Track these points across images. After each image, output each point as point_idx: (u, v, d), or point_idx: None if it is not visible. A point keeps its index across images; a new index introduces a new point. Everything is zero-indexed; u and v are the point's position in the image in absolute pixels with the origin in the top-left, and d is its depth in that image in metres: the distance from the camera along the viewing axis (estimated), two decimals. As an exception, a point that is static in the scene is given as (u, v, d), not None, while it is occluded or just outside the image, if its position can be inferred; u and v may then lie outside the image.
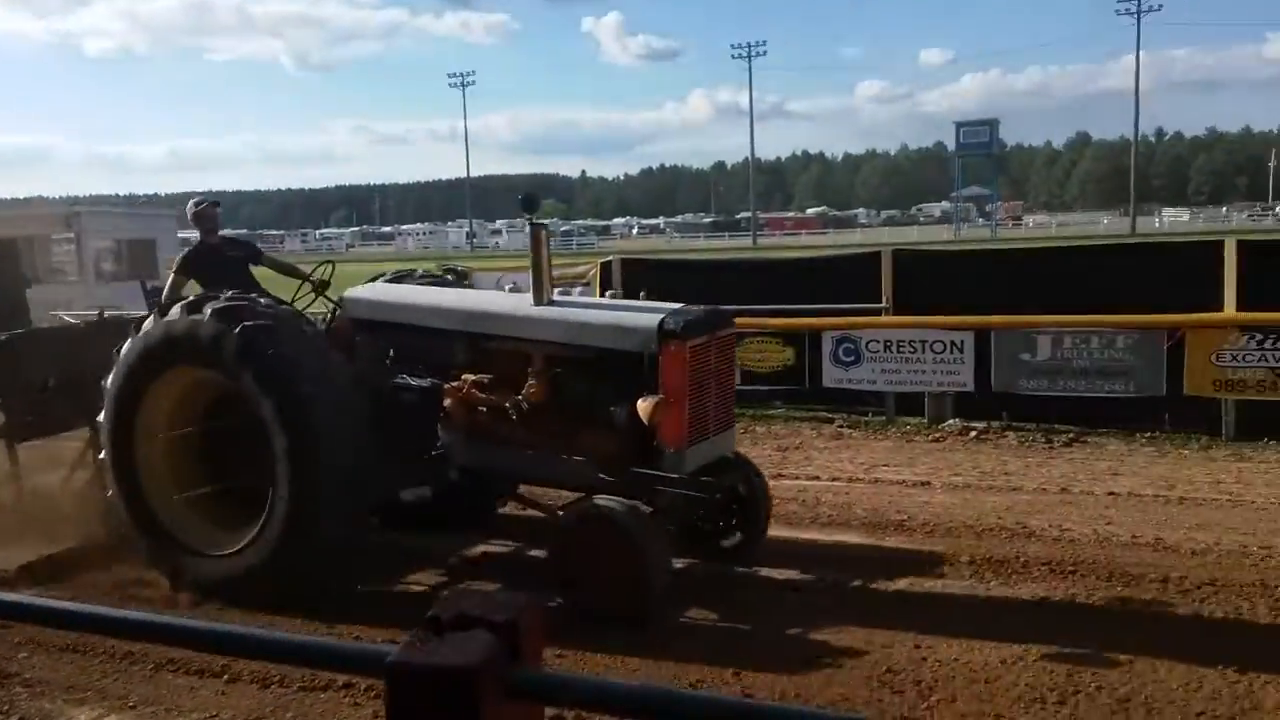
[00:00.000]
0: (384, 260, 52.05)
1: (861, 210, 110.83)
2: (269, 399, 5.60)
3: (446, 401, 6.11)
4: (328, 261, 7.21)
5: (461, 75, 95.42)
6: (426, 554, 6.71)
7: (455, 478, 6.30)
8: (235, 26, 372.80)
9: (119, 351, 6.19)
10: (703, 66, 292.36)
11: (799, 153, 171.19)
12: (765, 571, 6.19)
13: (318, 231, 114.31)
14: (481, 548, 6.91)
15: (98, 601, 5.60)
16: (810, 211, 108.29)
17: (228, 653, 4.11)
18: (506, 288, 6.84)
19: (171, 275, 7.50)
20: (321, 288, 6.87)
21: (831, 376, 10.44)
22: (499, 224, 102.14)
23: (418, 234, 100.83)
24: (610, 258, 12.56)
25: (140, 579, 6.23)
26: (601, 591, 5.34)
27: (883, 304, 10.74)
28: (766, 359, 10.79)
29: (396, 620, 5.15)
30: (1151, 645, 4.94)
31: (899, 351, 10.11)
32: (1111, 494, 7.72)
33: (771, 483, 6.71)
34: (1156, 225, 74.53)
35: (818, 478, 8.50)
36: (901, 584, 5.93)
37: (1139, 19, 72.63)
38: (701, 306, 5.92)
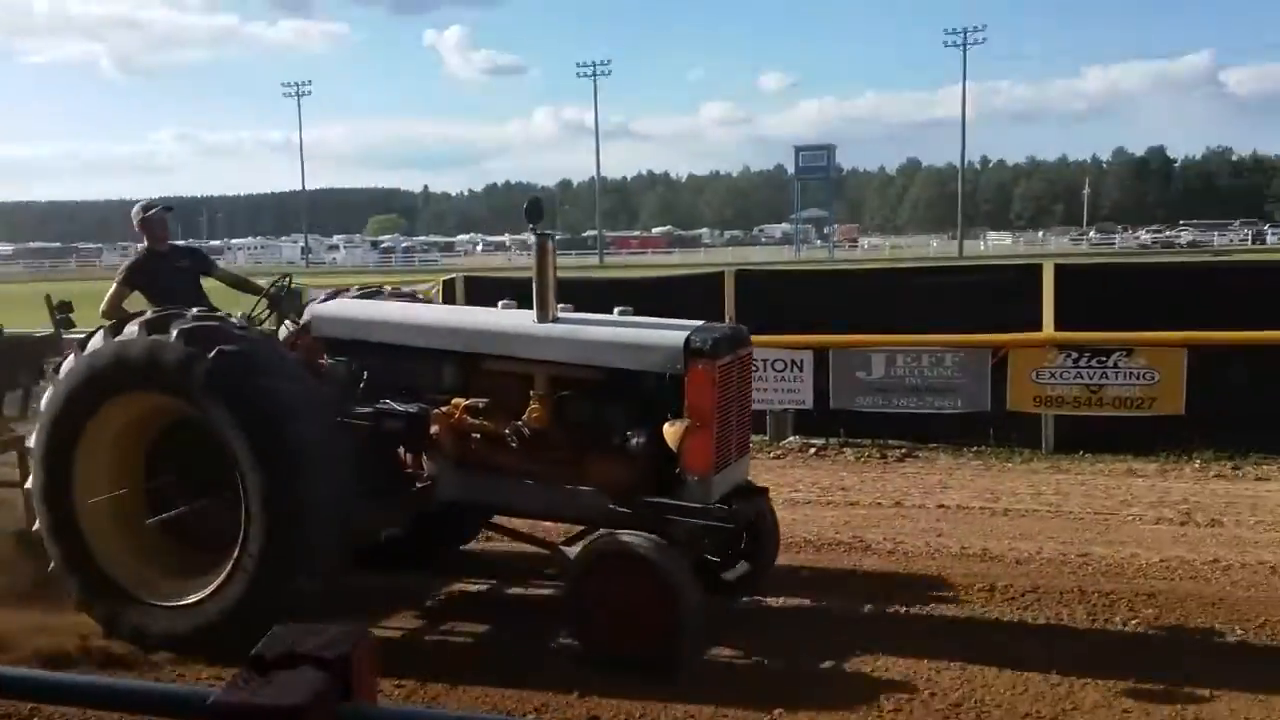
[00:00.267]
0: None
1: (705, 230, 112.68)
2: (243, 433, 4.99)
3: (433, 429, 5.56)
4: (285, 275, 6.74)
5: (297, 85, 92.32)
6: (396, 594, 6.17)
7: (438, 512, 5.84)
8: (52, 27, 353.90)
9: (56, 371, 5.55)
10: (548, 84, 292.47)
11: (644, 172, 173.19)
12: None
13: (139, 245, 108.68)
14: (457, 586, 6.46)
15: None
16: (656, 231, 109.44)
17: (41, 700, 3.83)
18: (500, 304, 6.08)
19: (114, 286, 6.97)
20: (277, 303, 6.37)
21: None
22: (336, 239, 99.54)
23: (249, 248, 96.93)
24: (454, 275, 12.39)
25: (43, 626, 5.50)
26: (625, 634, 4.90)
27: (726, 323, 10.89)
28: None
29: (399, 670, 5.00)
30: (980, 651, 5.14)
31: (741, 370, 10.27)
32: (942, 506, 8.03)
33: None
34: (982, 248, 78.43)
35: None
36: (745, 601, 6.00)
37: (964, 51, 76.36)
38: (722, 324, 5.49)
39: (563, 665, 5.10)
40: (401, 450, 5.86)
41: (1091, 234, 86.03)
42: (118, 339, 5.30)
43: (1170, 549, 6.80)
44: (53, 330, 7.84)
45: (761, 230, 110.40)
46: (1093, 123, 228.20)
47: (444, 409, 5.57)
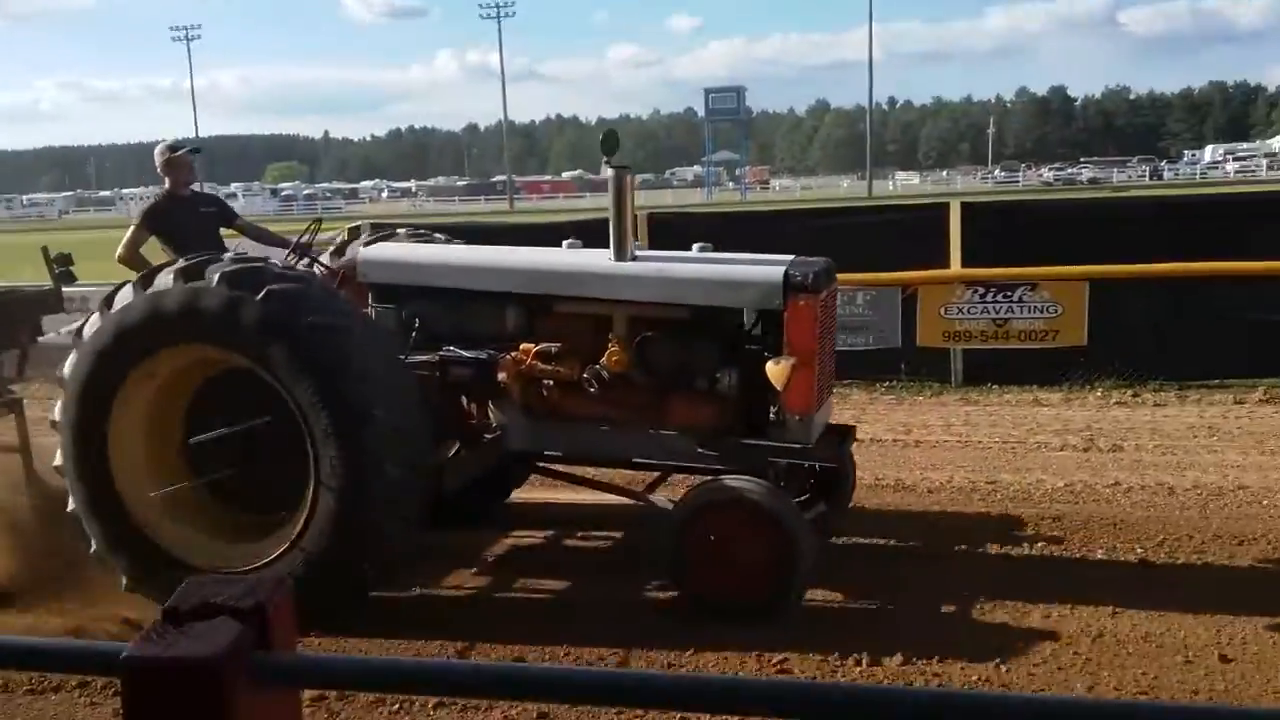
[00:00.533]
0: (104, 226, 47.88)
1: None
2: (306, 377, 4.57)
3: (500, 376, 5.27)
4: (316, 220, 6.44)
5: (186, 29, 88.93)
6: (448, 552, 5.79)
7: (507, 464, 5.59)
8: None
9: (78, 333, 5.02)
10: (450, 26, 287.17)
11: (553, 116, 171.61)
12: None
13: (24, 197, 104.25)
14: (508, 540, 6.18)
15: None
16: (566, 175, 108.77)
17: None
18: (565, 244, 5.73)
19: (131, 230, 6.64)
20: (305, 250, 5.96)
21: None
22: (233, 187, 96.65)
23: (141, 198, 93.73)
24: (359, 222, 12.13)
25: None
26: (736, 582, 4.73)
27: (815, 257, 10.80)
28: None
29: (454, 627, 4.90)
30: (894, 578, 5.29)
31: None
32: (856, 440, 8.14)
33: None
34: (891, 188, 79.35)
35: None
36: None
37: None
38: (817, 258, 5.23)
39: (636, 617, 5.00)
40: (464, 400, 5.57)
41: (996, 172, 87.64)
42: (150, 291, 4.82)
43: (1074, 474, 7.03)
44: (51, 285, 7.36)
45: (673, 173, 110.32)
46: (996, 63, 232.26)
47: (512, 355, 5.29)
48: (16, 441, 6.29)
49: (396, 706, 4.24)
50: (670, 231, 10.34)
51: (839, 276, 5.57)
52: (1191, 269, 9.25)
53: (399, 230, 6.61)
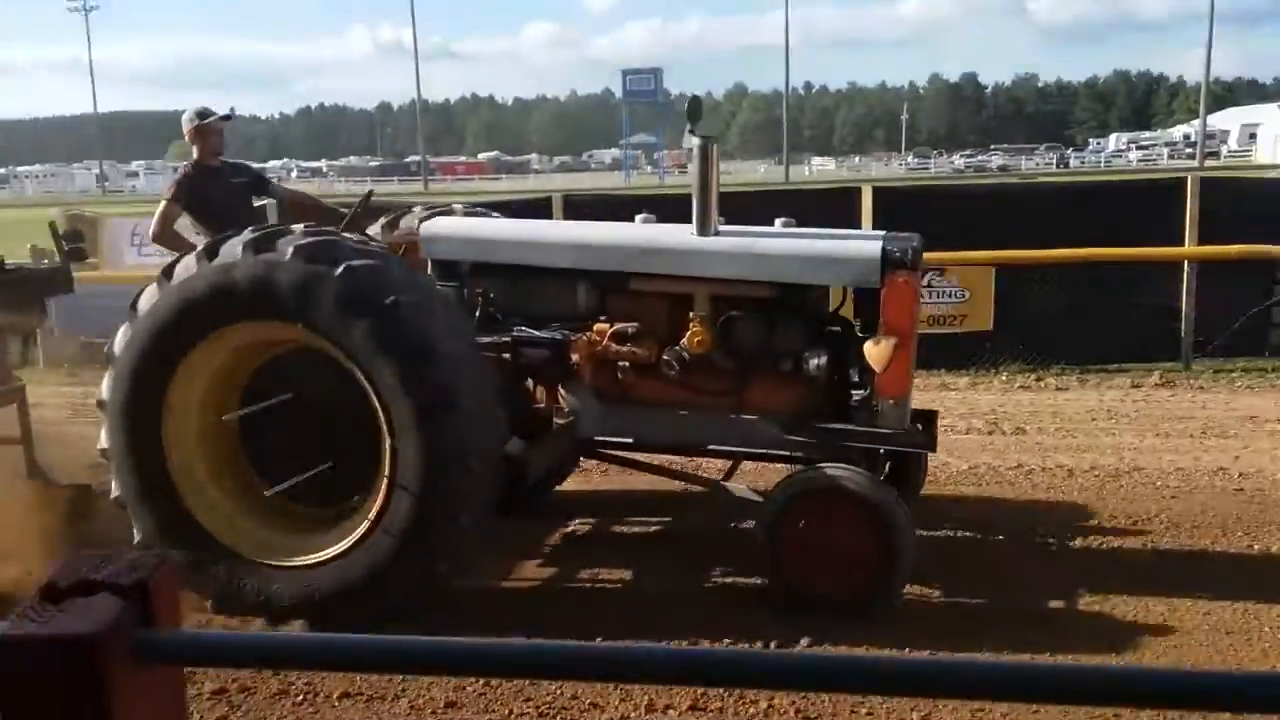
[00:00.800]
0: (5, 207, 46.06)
1: (534, 156, 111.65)
2: (387, 358, 4.28)
3: (572, 358, 4.98)
4: (368, 192, 6.16)
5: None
6: (505, 542, 5.44)
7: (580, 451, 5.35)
8: None
9: (133, 306, 4.67)
10: (363, 1, 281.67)
11: (468, 95, 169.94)
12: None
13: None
14: (565, 529, 5.95)
15: None
16: (482, 156, 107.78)
17: None
18: (639, 219, 5.43)
19: (162, 205, 6.33)
20: (356, 223, 5.55)
21: (505, 322, 10.36)
22: (135, 165, 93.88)
23: (37, 176, 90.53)
24: (264, 202, 11.82)
25: None
26: (835, 575, 4.52)
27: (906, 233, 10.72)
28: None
29: (522, 620, 4.63)
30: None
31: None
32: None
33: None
34: (807, 173, 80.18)
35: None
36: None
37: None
38: (908, 233, 4.94)
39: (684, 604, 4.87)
40: (529, 383, 5.30)
41: (910, 159, 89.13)
42: (215, 262, 4.50)
43: (978, 456, 7.18)
44: (60, 262, 6.92)
45: (591, 156, 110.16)
46: (910, 49, 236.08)
47: (586, 335, 5.01)
48: (18, 433, 5.87)
49: (300, 698, 4.12)
50: (586, 215, 10.29)
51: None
52: (1093, 254, 9.48)
53: (455, 206, 6.36)
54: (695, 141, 4.96)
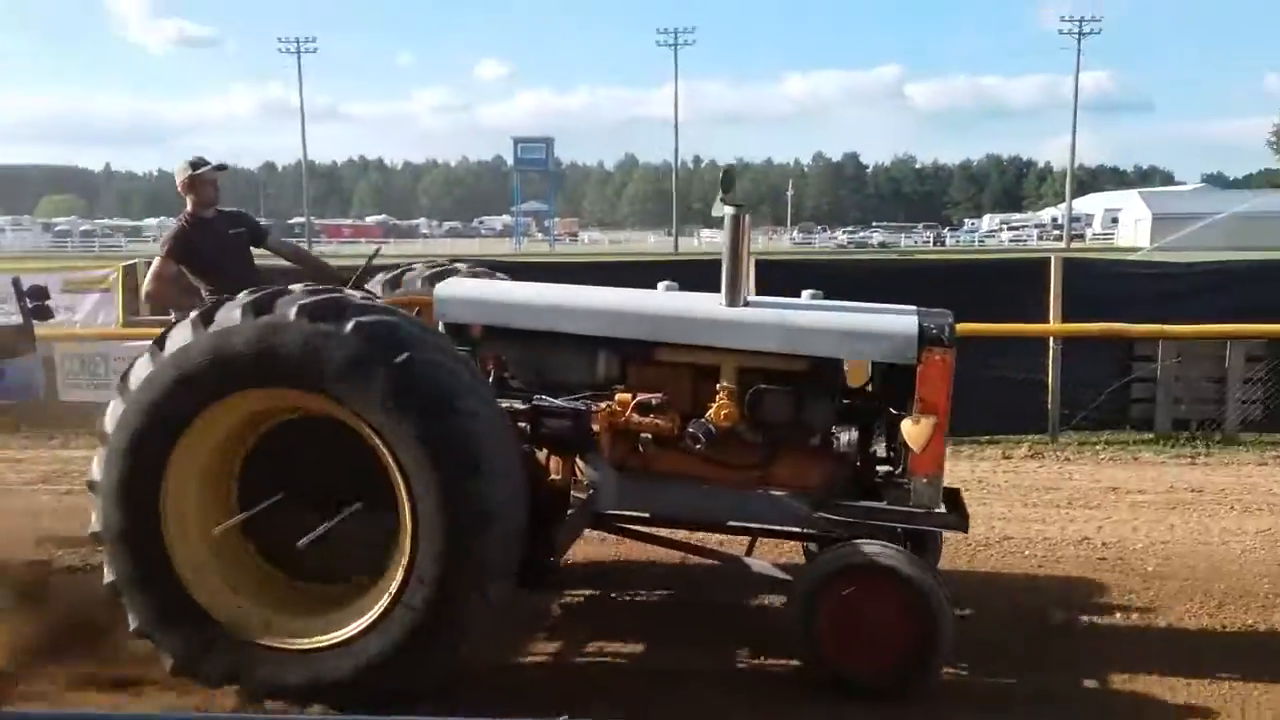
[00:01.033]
0: None
1: (423, 220, 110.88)
2: (405, 422, 4.01)
3: (593, 428, 4.75)
4: (375, 250, 5.91)
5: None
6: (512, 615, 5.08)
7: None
8: None
9: (123, 380, 4.37)
10: (246, 59, 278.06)
11: (356, 157, 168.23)
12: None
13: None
14: (576, 602, 5.76)
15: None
16: (370, 219, 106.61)
17: None
18: (662, 286, 5.35)
19: (158, 261, 6.02)
20: (360, 283, 5.31)
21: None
22: (1, 221, 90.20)
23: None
24: (137, 260, 11.43)
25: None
26: (871, 655, 4.38)
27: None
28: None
29: (543, 701, 4.39)
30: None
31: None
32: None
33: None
34: (696, 244, 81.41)
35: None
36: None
37: (676, 51, 78.91)
38: (939, 309, 4.90)
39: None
40: (543, 454, 5.00)
41: (795, 233, 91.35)
42: (211, 329, 4.21)
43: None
44: (23, 320, 6.31)
45: (481, 221, 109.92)
46: (795, 128, 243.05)
47: (606, 406, 4.78)
48: None
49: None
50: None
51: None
52: (965, 329, 9.69)
53: (458, 266, 6.10)
54: (727, 211, 4.87)
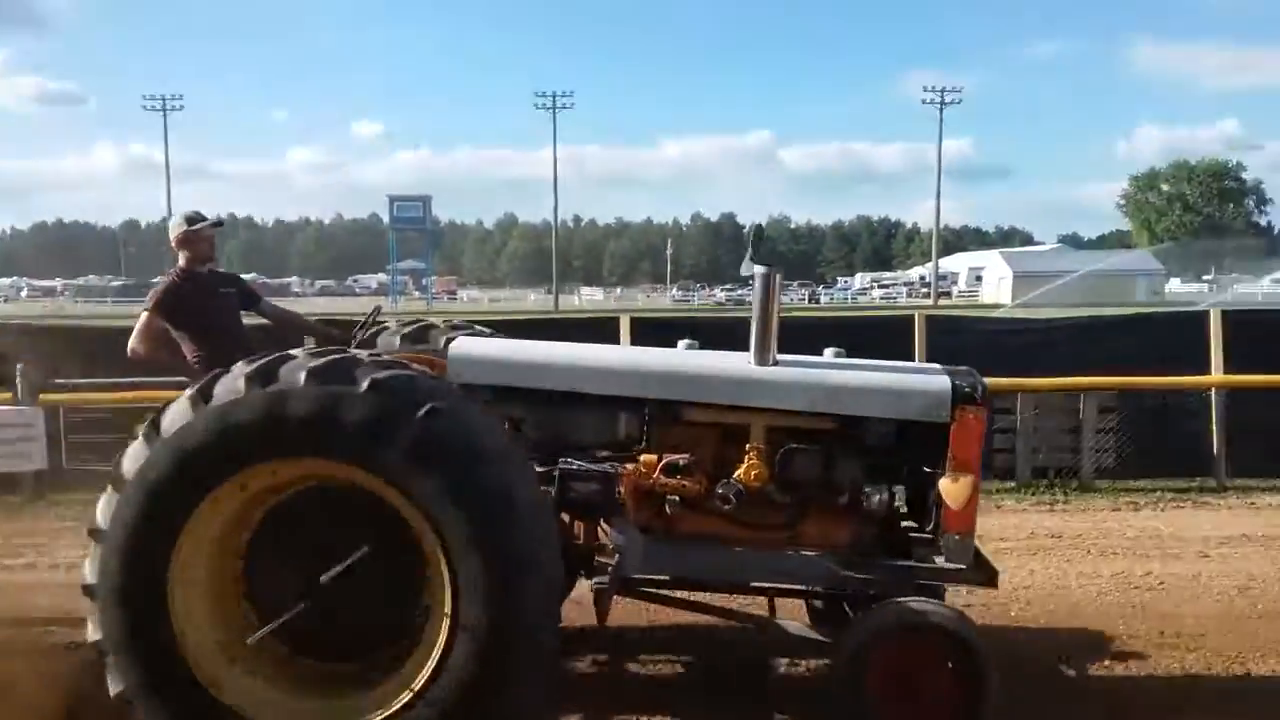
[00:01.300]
0: None
1: (295, 279, 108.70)
2: (443, 482, 3.83)
3: (618, 490, 4.61)
4: (375, 308, 5.75)
5: None
6: None
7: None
8: None
9: (117, 467, 4.01)
10: (110, 116, 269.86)
11: (225, 215, 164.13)
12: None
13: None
14: (599, 669, 5.55)
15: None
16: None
17: None
18: (683, 345, 5.24)
19: (144, 316, 5.75)
20: (365, 344, 5.13)
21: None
22: None
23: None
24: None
25: None
26: (919, 715, 4.32)
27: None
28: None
29: None
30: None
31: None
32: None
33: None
34: (576, 302, 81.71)
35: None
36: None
37: (555, 114, 79.66)
38: (965, 367, 4.86)
39: None
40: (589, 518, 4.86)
41: (674, 291, 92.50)
42: (215, 404, 3.94)
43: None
44: None
45: (356, 280, 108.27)
46: (673, 189, 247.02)
47: (632, 467, 4.66)
48: None
49: None
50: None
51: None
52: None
53: (438, 323, 5.91)
54: (758, 270, 4.78)
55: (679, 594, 5.10)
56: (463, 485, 3.85)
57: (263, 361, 4.02)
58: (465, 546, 3.85)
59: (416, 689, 3.95)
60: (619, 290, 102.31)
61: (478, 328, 6.08)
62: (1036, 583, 7.24)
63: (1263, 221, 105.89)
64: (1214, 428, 10.44)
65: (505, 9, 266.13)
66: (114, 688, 4.08)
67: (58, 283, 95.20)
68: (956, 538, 4.58)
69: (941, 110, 79.22)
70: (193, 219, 6.06)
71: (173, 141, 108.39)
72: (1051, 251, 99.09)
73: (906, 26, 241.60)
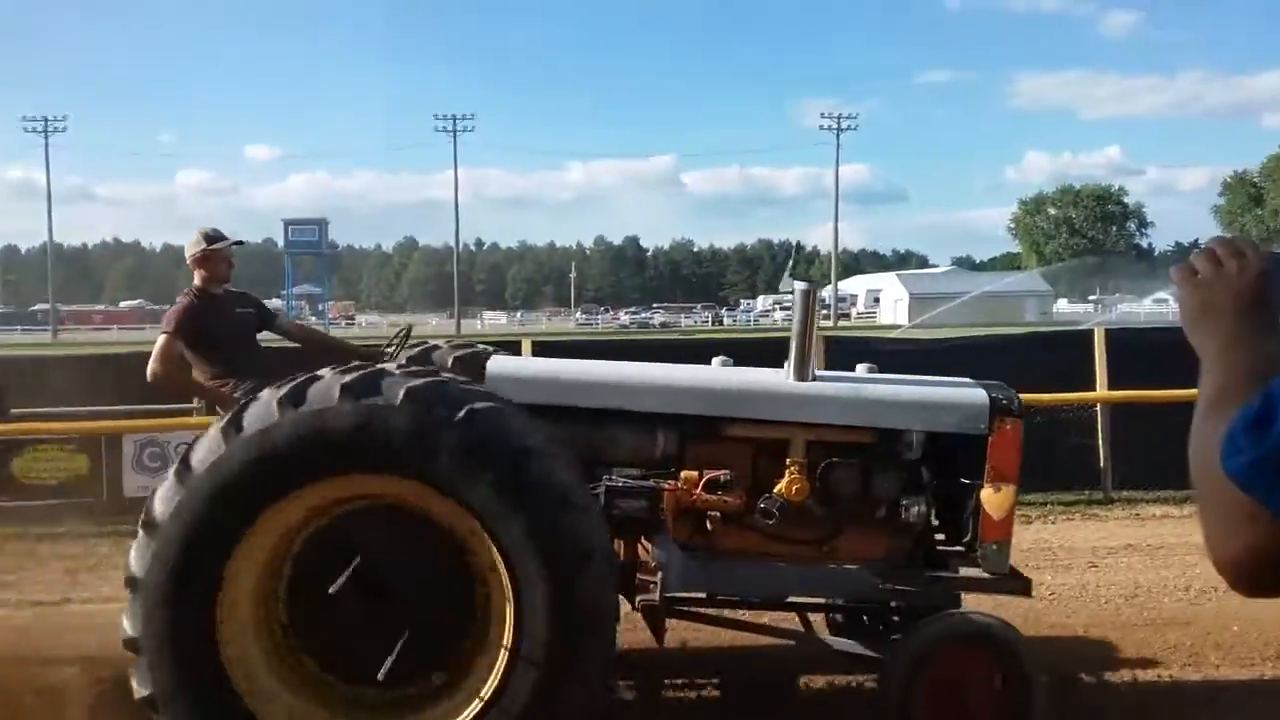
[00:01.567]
0: None
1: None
2: (526, 519, 3.86)
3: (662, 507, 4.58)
4: (407, 326, 5.69)
5: None
6: None
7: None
8: None
9: (186, 461, 3.93)
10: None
11: (110, 240, 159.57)
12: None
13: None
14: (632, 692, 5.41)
15: None
16: (125, 304, 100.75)
17: None
18: (717, 361, 5.27)
19: (163, 339, 5.67)
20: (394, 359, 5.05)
21: (134, 484, 9.46)
22: None
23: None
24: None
25: None
26: None
27: (194, 403, 10.05)
28: (54, 468, 9.52)
29: None
30: None
31: (210, 452, 9.50)
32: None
33: (59, 609, 5.79)
34: (479, 326, 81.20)
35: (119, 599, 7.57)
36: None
37: (455, 137, 79.32)
38: (997, 382, 4.92)
39: None
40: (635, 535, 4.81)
41: (578, 314, 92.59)
42: (249, 432, 3.87)
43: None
44: None
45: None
46: (577, 212, 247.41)
47: (673, 484, 4.61)
48: None
49: None
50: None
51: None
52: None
53: (440, 344, 5.75)
54: (798, 286, 4.89)
55: (712, 611, 5.12)
56: (515, 482, 3.90)
57: (361, 373, 4.03)
58: (524, 541, 3.88)
59: (486, 697, 3.96)
60: (520, 314, 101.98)
61: (482, 347, 5.92)
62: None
63: (1144, 243, 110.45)
64: (1100, 442, 10.77)
65: (403, 32, 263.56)
66: (139, 691, 3.99)
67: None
68: (995, 547, 4.65)
69: (839, 136, 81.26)
70: (212, 237, 5.92)
71: (55, 164, 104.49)
72: (945, 274, 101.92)
73: (804, 55, 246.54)
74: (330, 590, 4.01)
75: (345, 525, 4.18)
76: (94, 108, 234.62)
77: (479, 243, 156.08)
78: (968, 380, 5.05)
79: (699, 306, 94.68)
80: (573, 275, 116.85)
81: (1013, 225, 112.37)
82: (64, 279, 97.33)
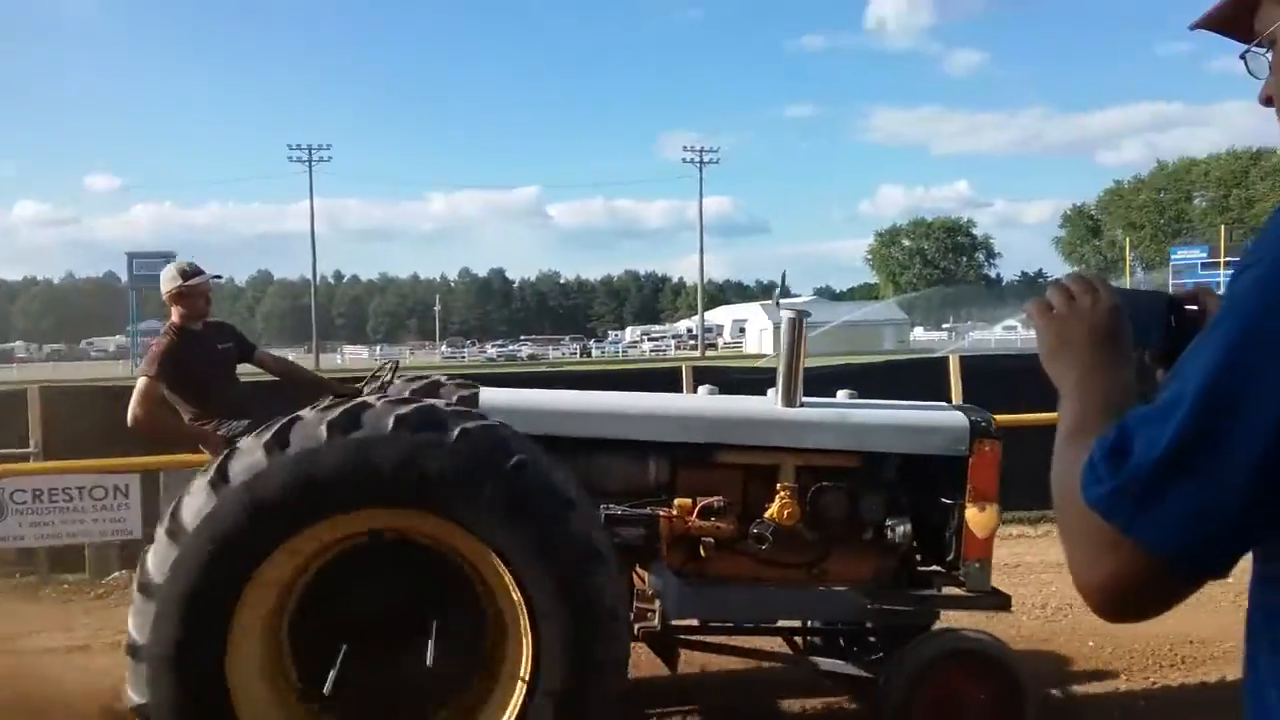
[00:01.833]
0: None
1: (19, 343, 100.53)
2: (532, 532, 3.89)
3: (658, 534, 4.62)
4: (394, 361, 5.61)
5: None
6: None
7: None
8: None
9: (175, 517, 3.82)
10: None
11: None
12: None
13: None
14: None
15: None
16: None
17: None
18: (704, 390, 5.37)
19: (144, 382, 5.49)
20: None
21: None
22: None
23: None
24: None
25: None
26: None
27: (31, 448, 9.51)
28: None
29: None
30: None
31: (51, 501, 8.94)
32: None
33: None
34: (340, 361, 79.43)
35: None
36: None
37: (310, 168, 77.65)
38: (973, 405, 5.09)
39: None
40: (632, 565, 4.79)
41: (443, 347, 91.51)
42: (239, 481, 3.79)
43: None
44: None
45: (91, 343, 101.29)
46: (440, 244, 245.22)
47: (669, 511, 4.64)
48: None
49: None
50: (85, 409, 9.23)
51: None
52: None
53: (440, 380, 5.66)
54: (785, 314, 4.97)
55: (713, 640, 5.20)
56: (551, 537, 3.92)
57: (346, 408, 3.98)
58: (554, 598, 3.91)
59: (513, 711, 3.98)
60: (380, 348, 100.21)
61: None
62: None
63: (992, 273, 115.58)
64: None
65: (254, 61, 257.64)
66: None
67: None
68: (977, 565, 4.78)
69: (701, 169, 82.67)
70: (188, 272, 5.78)
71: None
72: (808, 303, 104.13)
73: (669, 88, 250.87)
74: (341, 646, 3.99)
75: (344, 566, 4.15)
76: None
77: (338, 275, 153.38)
78: (945, 404, 5.30)
79: (567, 338, 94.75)
80: (437, 308, 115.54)
81: (869, 256, 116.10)
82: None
